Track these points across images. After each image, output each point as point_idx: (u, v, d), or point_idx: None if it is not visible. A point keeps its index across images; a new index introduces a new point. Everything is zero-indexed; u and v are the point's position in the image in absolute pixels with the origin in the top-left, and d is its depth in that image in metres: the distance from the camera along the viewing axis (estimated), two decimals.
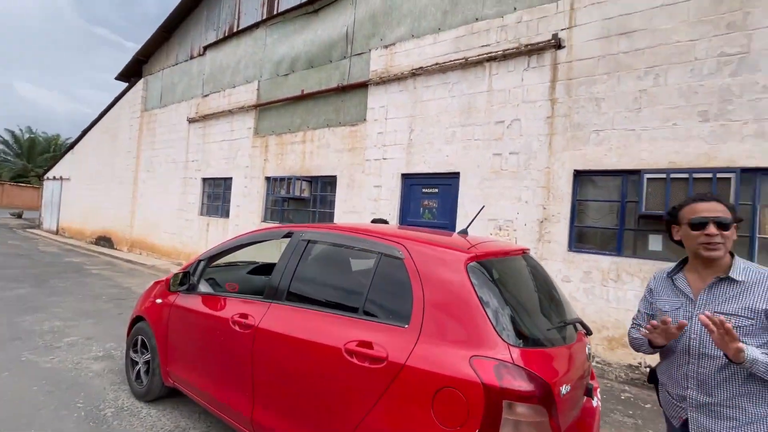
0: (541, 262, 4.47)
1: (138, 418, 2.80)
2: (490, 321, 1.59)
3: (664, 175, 3.96)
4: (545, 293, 2.15)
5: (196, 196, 9.85)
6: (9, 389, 3.07)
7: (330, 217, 7.12)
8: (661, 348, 1.54)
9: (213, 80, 9.82)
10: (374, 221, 3.85)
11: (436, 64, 5.71)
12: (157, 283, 3.27)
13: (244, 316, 2.32)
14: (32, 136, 36.21)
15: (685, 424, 1.49)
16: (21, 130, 35.92)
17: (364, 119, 6.62)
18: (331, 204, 7.13)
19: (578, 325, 2.09)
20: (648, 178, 4.03)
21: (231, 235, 8.63)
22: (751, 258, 3.65)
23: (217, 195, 9.50)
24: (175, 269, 8.58)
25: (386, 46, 6.42)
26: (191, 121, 10.13)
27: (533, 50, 4.90)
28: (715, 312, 1.38)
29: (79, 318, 5.04)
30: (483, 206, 2.71)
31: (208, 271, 3.00)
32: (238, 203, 8.69)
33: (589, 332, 2.14)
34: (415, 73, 5.93)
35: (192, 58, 10.61)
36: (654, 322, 1.43)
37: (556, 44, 4.71)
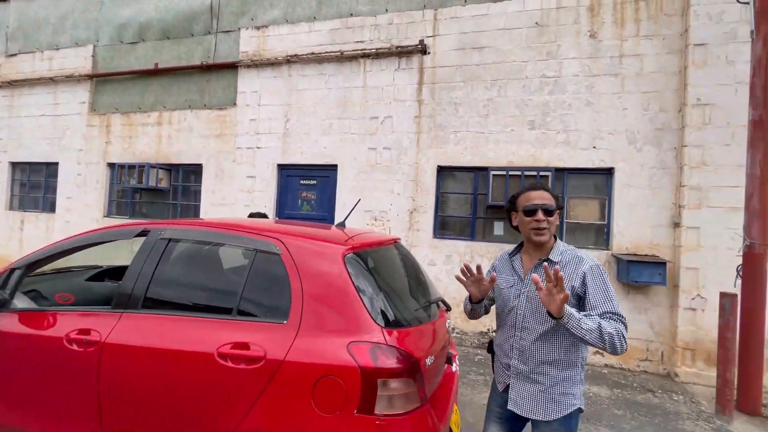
0: (411, 249, 4.92)
1: None
2: (366, 308, 1.69)
3: (504, 172, 4.76)
4: (413, 277, 2.38)
5: (1, 185, 7.61)
6: None
7: (196, 210, 6.39)
8: (477, 303, 1.78)
9: (23, 36, 7.65)
10: (252, 215, 3.62)
11: (312, 53, 5.62)
12: None
13: (85, 331, 1.93)
14: None
15: (507, 389, 1.70)
16: None
17: (234, 103, 6.11)
18: (197, 195, 6.41)
19: (440, 303, 2.38)
20: (493, 174, 4.79)
21: (59, 233, 6.97)
22: (560, 236, 4.70)
23: (36, 184, 7.53)
24: None
25: (258, 28, 6.01)
26: None
27: (403, 52, 5.26)
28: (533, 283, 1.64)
29: None
30: (359, 199, 2.83)
31: (26, 281, 2.39)
32: (70, 194, 7.06)
33: (449, 308, 2.45)
34: (291, 60, 5.73)
35: None
36: (466, 263, 1.66)
37: (423, 50, 5.16)
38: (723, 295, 3.42)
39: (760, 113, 3.40)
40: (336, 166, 5.54)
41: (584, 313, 1.50)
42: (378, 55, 5.36)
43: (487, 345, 1.99)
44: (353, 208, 2.57)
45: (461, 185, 5.18)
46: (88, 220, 6.83)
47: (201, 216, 6.19)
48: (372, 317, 1.67)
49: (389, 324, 1.71)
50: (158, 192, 6.60)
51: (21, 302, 2.30)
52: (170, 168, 6.53)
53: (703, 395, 3.72)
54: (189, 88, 6.44)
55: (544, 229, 1.62)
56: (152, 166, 6.33)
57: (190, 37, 6.46)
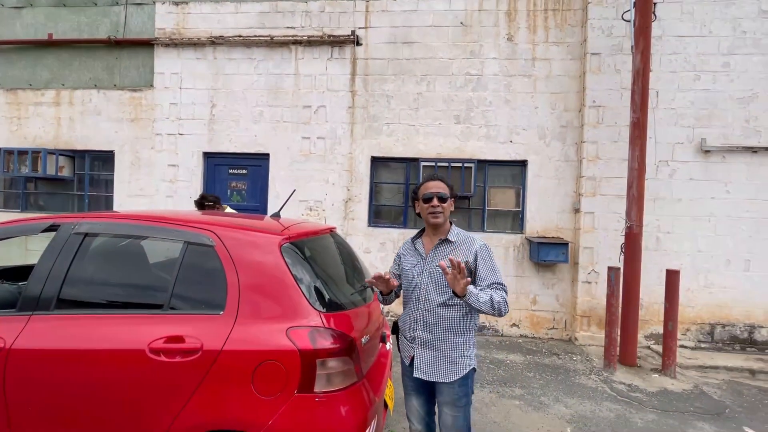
0: (346, 238, 5.02)
1: None
2: (304, 295, 1.76)
3: (433, 163, 5.05)
4: (349, 264, 2.50)
5: None
6: None
7: (108, 201, 5.79)
8: (386, 296, 1.93)
9: None
10: (203, 199, 3.77)
11: (240, 36, 5.35)
12: None
13: None
14: None
15: (412, 361, 1.88)
16: None
17: (152, 85, 5.59)
18: (108, 186, 5.80)
19: (374, 287, 2.53)
20: (423, 165, 5.06)
21: None
22: (482, 222, 5.15)
23: None
24: None
25: (177, 3, 5.54)
26: None
27: (336, 42, 5.25)
28: (437, 266, 1.86)
29: None
30: (294, 190, 2.85)
31: None
32: None
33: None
34: (215, 42, 5.39)
35: None
36: (377, 273, 1.79)
37: (355, 41, 5.20)
38: (610, 269, 4.07)
39: (638, 116, 4.05)
40: (268, 155, 5.40)
41: (479, 287, 1.77)
42: (310, 42, 5.28)
43: (391, 328, 2.15)
44: (288, 199, 2.59)
45: (394, 175, 5.38)
46: None
47: (115, 208, 5.63)
48: (310, 303, 1.75)
49: (326, 308, 1.81)
50: (59, 182, 5.84)
51: None
52: (74, 155, 5.81)
53: (596, 354, 4.40)
54: (94, 65, 5.74)
55: (439, 213, 1.86)
56: (50, 152, 5.57)
57: (93, 6, 5.74)
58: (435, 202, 1.85)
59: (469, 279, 1.64)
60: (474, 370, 1.89)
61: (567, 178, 4.94)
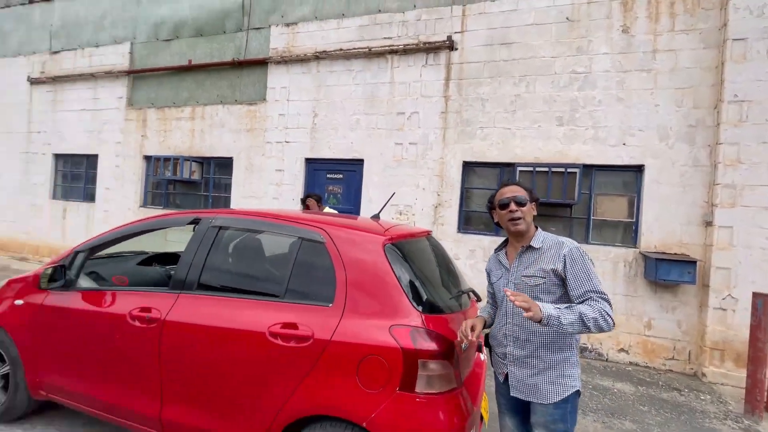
0: None
1: None
2: (406, 294, 1.80)
3: (531, 168, 4.77)
4: (445, 268, 2.48)
5: (45, 177, 8.08)
6: None
7: (226, 201, 6.64)
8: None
9: (66, 34, 8.05)
10: (309, 197, 4.36)
11: (341, 49, 5.73)
12: (12, 282, 2.70)
13: (146, 309, 2.12)
14: None
15: (506, 378, 1.75)
16: None
17: (264, 99, 6.29)
18: (227, 188, 6.66)
19: (471, 294, 2.47)
20: (520, 170, 4.81)
21: (99, 222, 7.37)
22: (586, 233, 4.70)
23: (77, 175, 7.95)
24: (29, 266, 7.00)
25: (288, 25, 6.16)
26: (35, 82, 8.17)
27: (430, 48, 5.31)
28: (522, 276, 1.69)
29: None
30: (393, 193, 2.95)
31: (88, 264, 2.60)
32: (108, 185, 7.44)
33: (479, 299, 2.54)
34: (319, 57, 5.85)
35: (32, 1, 8.49)
36: (462, 335, 1.63)
37: (450, 46, 5.19)
38: (756, 295, 3.38)
39: None
40: (362, 160, 5.66)
41: (565, 305, 1.55)
42: (405, 51, 5.42)
43: (483, 341, 2.02)
44: (387, 202, 2.68)
45: (487, 181, 5.21)
46: (125, 210, 7.19)
47: (232, 207, 6.43)
48: (411, 303, 1.79)
49: (426, 310, 1.82)
50: (191, 184, 6.89)
51: (85, 282, 2.53)
52: (202, 161, 6.80)
53: (731, 395, 3.69)
54: (221, 84, 6.67)
55: (518, 218, 1.70)
56: (186, 159, 6.61)
57: (223, 35, 6.68)
58: (513, 207, 1.71)
59: (532, 313, 1.44)
60: (578, 393, 1.68)
61: (695, 185, 4.25)
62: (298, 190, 6.00)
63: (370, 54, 5.59)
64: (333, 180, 5.93)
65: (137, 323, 2.12)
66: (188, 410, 1.99)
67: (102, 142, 7.53)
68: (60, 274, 2.43)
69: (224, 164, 6.70)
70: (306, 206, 4.43)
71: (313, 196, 4.41)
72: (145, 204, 7.24)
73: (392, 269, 1.84)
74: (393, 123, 5.50)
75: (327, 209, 4.89)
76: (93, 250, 2.56)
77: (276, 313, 1.88)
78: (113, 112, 7.44)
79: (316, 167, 6.01)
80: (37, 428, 2.51)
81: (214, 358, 1.95)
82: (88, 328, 2.30)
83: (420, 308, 1.79)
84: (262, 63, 6.29)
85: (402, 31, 5.49)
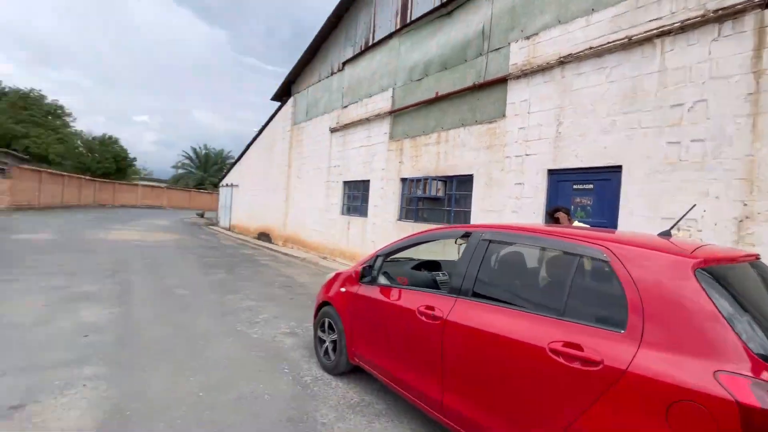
0: None
1: (330, 388, 3.32)
2: (735, 332, 1.44)
3: None
4: None
5: (338, 198, 11.02)
6: (237, 352, 3.97)
7: (465, 216, 7.16)
8: None
9: (351, 92, 10.82)
10: (556, 210, 4.24)
11: (590, 48, 5.22)
12: (338, 274, 3.80)
13: (431, 308, 2.54)
14: (206, 151, 45.50)
15: None
16: (200, 147, 45.54)
17: (503, 115, 6.46)
18: (466, 203, 7.16)
19: None
20: None
21: (369, 232, 9.39)
22: None
23: (356, 196, 10.45)
24: (327, 263, 9.66)
25: (528, 37, 6.14)
26: (333, 130, 11.35)
27: (725, 15, 4.09)
28: None
29: (264, 300, 6.15)
30: (694, 205, 2.43)
31: (383, 265, 3.37)
32: (376, 203, 9.40)
33: None
34: (563, 61, 5.53)
35: (332, 74, 11.88)
36: None
37: (763, 2, 3.84)
38: None
39: None
40: (619, 167, 4.91)
41: None
42: (683, 29, 4.39)
43: None
44: (685, 215, 2.21)
45: None
46: (386, 223, 8.88)
47: (471, 221, 6.87)
48: (745, 345, 1.41)
49: (765, 358, 1.39)
50: (436, 200, 7.81)
51: (382, 279, 3.28)
52: (446, 179, 7.61)
53: None
54: (462, 108, 7.31)
55: None
56: (433, 179, 7.56)
57: (463, 63, 7.33)
58: None
59: None
60: None
61: None
62: (540, 203, 5.78)
63: (630, 44, 4.82)
64: (581, 191, 5.40)
65: (424, 318, 2.56)
66: (466, 402, 2.24)
67: (372, 170, 9.63)
68: (368, 272, 3.25)
69: (465, 181, 7.26)
70: (554, 219, 4.21)
71: (562, 210, 4.15)
72: (400, 218, 8.73)
73: (711, 299, 1.51)
74: (664, 118, 4.53)
75: (576, 223, 4.50)
76: (388, 254, 3.30)
77: (555, 330, 1.87)
78: (380, 146, 9.40)
79: (559, 178, 5.65)
80: (351, 384, 3.41)
81: (491, 361, 2.12)
82: (386, 316, 2.96)
83: (759, 354, 1.39)
84: (501, 81, 6.50)
85: (677, 5, 4.48)
